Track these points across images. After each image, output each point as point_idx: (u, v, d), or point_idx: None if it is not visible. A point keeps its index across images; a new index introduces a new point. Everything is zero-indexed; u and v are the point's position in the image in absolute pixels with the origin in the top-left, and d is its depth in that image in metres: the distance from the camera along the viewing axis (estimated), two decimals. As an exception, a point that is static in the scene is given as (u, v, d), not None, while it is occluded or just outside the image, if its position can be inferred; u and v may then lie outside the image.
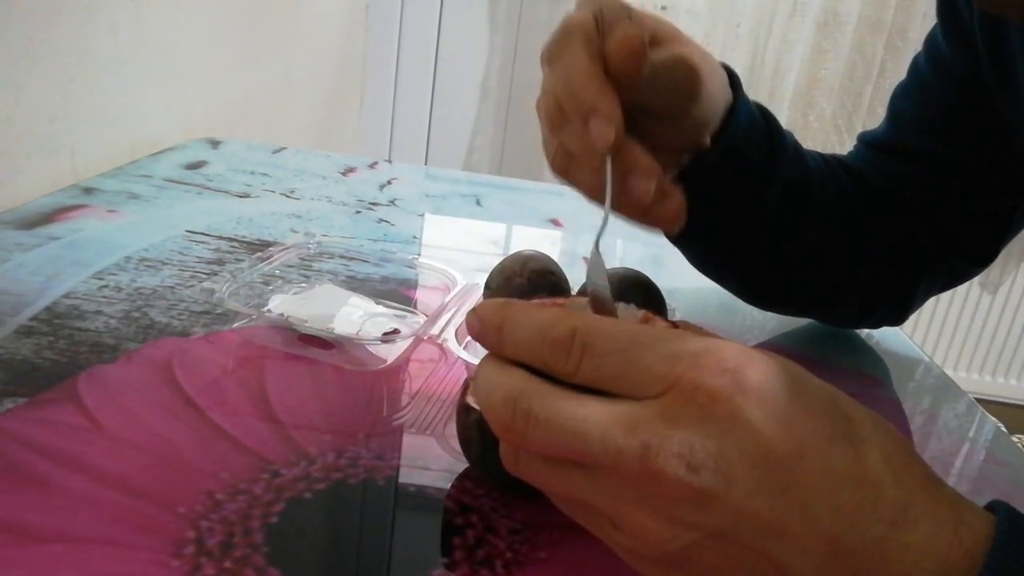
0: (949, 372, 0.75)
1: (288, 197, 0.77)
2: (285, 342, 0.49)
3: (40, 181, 0.69)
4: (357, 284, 0.59)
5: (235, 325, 0.50)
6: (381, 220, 0.75)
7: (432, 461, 0.40)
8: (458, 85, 1.86)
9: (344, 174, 0.89)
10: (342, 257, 0.63)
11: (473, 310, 0.29)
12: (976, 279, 1.45)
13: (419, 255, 0.67)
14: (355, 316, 0.53)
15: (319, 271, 0.60)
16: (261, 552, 0.32)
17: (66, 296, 0.51)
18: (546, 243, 0.78)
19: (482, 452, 0.36)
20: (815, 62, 1.84)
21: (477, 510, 0.37)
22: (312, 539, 0.34)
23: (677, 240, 0.53)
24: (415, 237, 0.73)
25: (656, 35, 0.40)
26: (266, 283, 0.56)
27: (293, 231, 0.68)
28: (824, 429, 0.26)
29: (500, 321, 0.28)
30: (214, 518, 0.34)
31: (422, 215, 0.79)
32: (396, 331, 0.52)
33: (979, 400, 0.58)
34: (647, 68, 0.36)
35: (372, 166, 0.94)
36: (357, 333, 0.51)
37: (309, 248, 0.63)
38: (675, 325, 0.30)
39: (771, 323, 0.64)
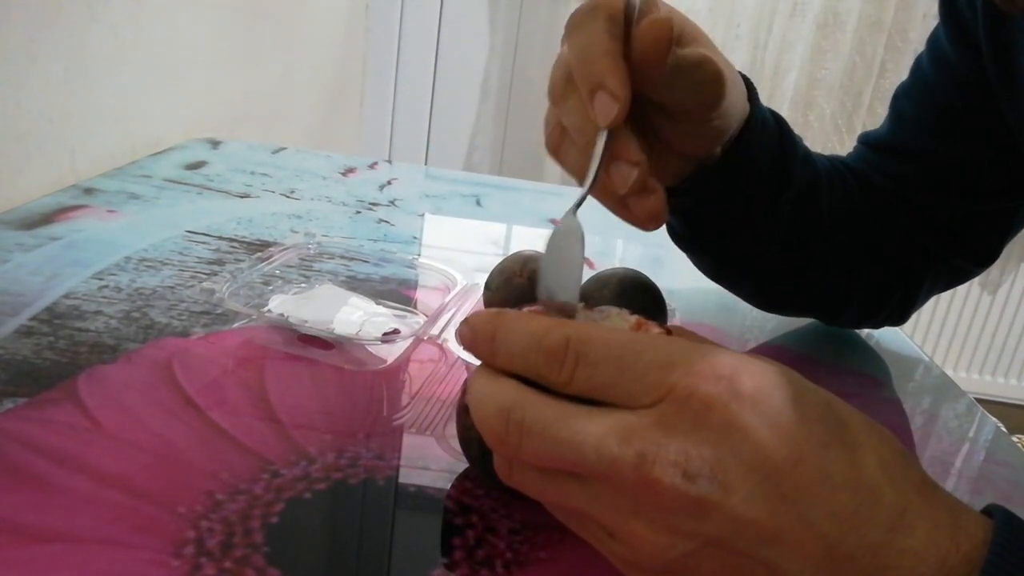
0: (949, 372, 0.75)
1: (288, 197, 0.77)
2: (285, 342, 0.49)
3: (40, 181, 0.69)
4: (357, 284, 0.59)
5: (235, 325, 0.50)
6: (381, 220, 0.75)
7: (432, 461, 0.40)
8: (458, 85, 1.86)
9: (344, 174, 0.89)
10: (342, 257, 0.63)
11: (465, 320, 0.28)
12: (976, 279, 1.45)
13: (419, 255, 0.67)
14: (355, 316, 0.53)
15: (319, 271, 0.60)
16: (261, 552, 0.32)
17: (66, 296, 0.51)
18: (546, 243, 0.78)
19: (482, 452, 0.36)
20: (815, 62, 1.83)
21: (477, 510, 0.37)
22: (312, 539, 0.34)
23: (690, 247, 0.53)
24: (415, 237, 0.73)
25: (684, 33, 0.39)
26: (266, 283, 0.56)
27: (293, 231, 0.68)
28: (820, 434, 0.25)
29: (493, 331, 0.28)
30: (214, 518, 0.34)
31: (422, 215, 0.79)
32: (396, 331, 0.52)
33: (979, 400, 0.58)
34: (672, 59, 0.35)
35: (372, 166, 0.94)
36: (357, 333, 0.51)
37: (309, 248, 0.63)
38: (668, 331, 0.30)
39: (771, 323, 0.64)
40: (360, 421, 0.42)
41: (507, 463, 0.28)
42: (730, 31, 1.79)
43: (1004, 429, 0.56)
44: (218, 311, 0.51)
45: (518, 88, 1.84)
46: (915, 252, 0.58)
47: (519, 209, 0.87)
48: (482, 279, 0.49)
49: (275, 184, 0.81)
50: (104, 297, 0.51)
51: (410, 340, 0.51)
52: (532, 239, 0.79)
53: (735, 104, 0.43)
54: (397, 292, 0.59)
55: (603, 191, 0.37)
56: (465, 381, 0.39)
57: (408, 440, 0.42)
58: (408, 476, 0.39)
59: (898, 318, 0.62)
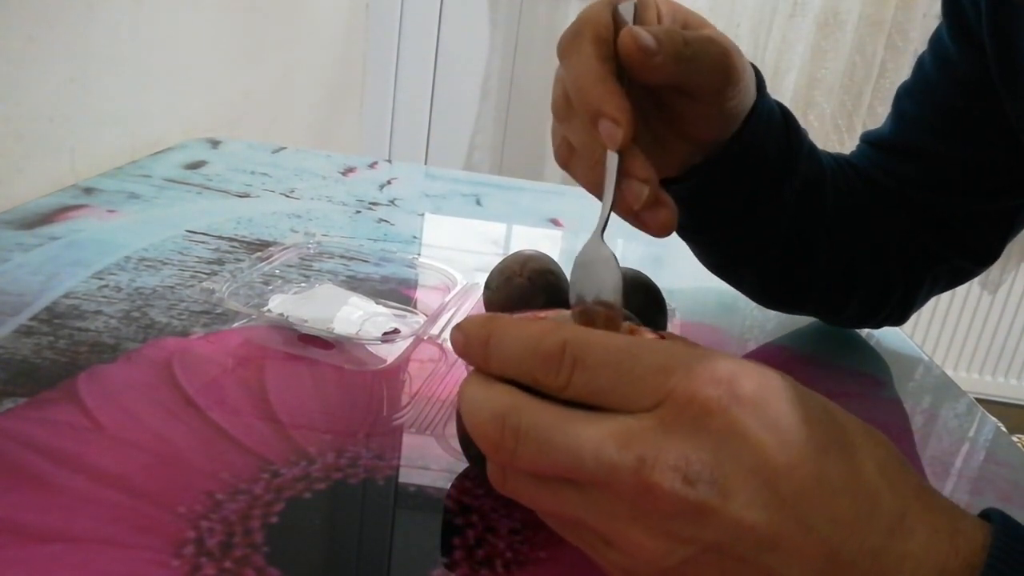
0: (949, 372, 0.74)
1: (288, 197, 0.77)
2: (285, 342, 0.49)
3: (40, 181, 0.69)
4: (357, 284, 0.59)
5: (235, 325, 0.50)
6: (381, 220, 0.75)
7: (432, 461, 0.40)
8: (458, 85, 1.86)
9: (344, 174, 0.89)
10: (342, 257, 0.63)
11: (458, 326, 0.28)
12: (976, 279, 1.45)
13: (419, 255, 0.67)
14: (355, 316, 0.53)
15: (319, 271, 0.60)
16: (261, 552, 0.32)
17: (66, 296, 0.51)
18: (546, 243, 0.78)
19: (481, 452, 0.36)
20: (815, 62, 1.83)
21: (477, 510, 0.37)
22: (312, 539, 0.34)
23: (693, 238, 0.53)
24: (415, 237, 0.73)
25: (689, 22, 0.41)
26: (266, 283, 0.56)
27: (293, 231, 0.68)
28: (819, 439, 0.25)
29: (487, 335, 0.27)
30: (214, 518, 0.34)
31: (422, 215, 0.79)
32: (396, 331, 0.52)
33: (979, 400, 0.58)
34: (684, 49, 0.37)
35: (372, 166, 0.94)
36: (357, 333, 0.51)
37: (309, 248, 0.63)
38: (662, 337, 0.30)
39: (771, 323, 0.64)
40: (360, 421, 0.42)
41: (501, 470, 0.28)
42: (730, 31, 1.79)
43: (1004, 429, 0.56)
44: (218, 311, 0.51)
45: (518, 88, 1.84)
46: (916, 251, 0.58)
47: (519, 209, 0.87)
48: (482, 279, 0.49)
49: (275, 184, 0.81)
50: (104, 297, 0.51)
51: (410, 340, 0.51)
52: (532, 239, 0.79)
53: (749, 87, 0.44)
54: (397, 292, 0.59)
55: (616, 205, 0.37)
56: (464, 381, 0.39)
57: (408, 440, 0.42)
58: (408, 476, 0.39)
59: (898, 318, 0.62)
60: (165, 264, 0.57)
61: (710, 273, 0.57)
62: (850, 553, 0.24)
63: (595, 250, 0.34)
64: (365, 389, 0.46)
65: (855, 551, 0.24)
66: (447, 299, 0.57)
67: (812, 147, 0.53)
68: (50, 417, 0.39)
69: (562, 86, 0.38)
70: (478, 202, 0.86)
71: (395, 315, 0.55)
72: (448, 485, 0.39)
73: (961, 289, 2.08)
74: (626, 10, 0.37)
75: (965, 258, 0.59)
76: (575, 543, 0.28)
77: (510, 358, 0.27)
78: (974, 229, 0.57)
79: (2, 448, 0.36)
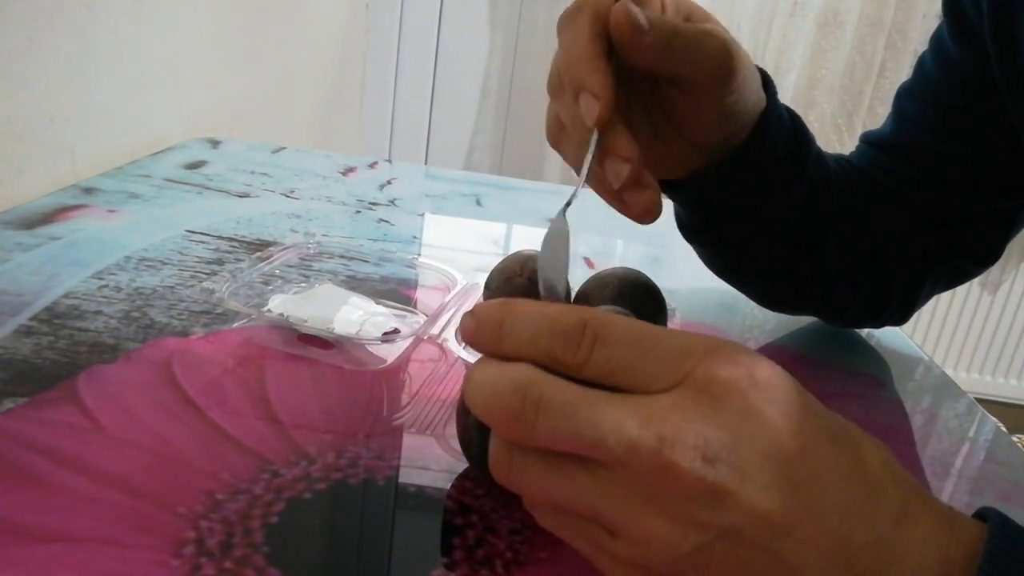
0: (949, 372, 0.74)
1: (288, 197, 0.77)
2: (285, 342, 0.49)
3: (40, 181, 0.69)
4: (357, 284, 0.59)
5: (235, 325, 0.50)
6: (381, 220, 0.75)
7: (432, 461, 0.40)
8: (458, 85, 1.86)
9: (344, 174, 0.89)
10: (342, 257, 0.63)
11: (469, 312, 0.28)
12: (976, 279, 1.45)
13: (419, 255, 0.67)
14: (355, 316, 0.53)
15: (319, 271, 0.60)
16: (261, 552, 0.32)
17: (66, 296, 0.51)
18: (546, 243, 0.78)
19: (482, 452, 0.36)
20: (815, 62, 1.84)
21: (477, 510, 0.37)
22: (312, 539, 0.34)
23: (699, 240, 0.53)
24: (415, 237, 0.73)
25: (692, 14, 0.42)
26: (266, 283, 0.56)
27: (293, 231, 0.68)
28: (828, 428, 0.26)
29: (501, 317, 0.27)
30: (214, 518, 0.34)
31: (422, 215, 0.79)
32: (396, 331, 0.52)
33: (979, 400, 0.58)
34: (673, 37, 0.38)
35: (372, 166, 0.94)
36: (357, 333, 0.51)
37: (309, 248, 0.63)
38: None
39: (771, 323, 0.64)
40: (360, 421, 0.42)
41: (508, 454, 0.27)
42: (730, 31, 1.78)
43: (1004, 429, 0.56)
44: (218, 311, 0.51)
45: (518, 88, 1.84)
46: (916, 251, 0.58)
47: (519, 209, 0.87)
48: (482, 279, 0.49)
49: (275, 184, 0.81)
50: (104, 297, 0.51)
51: (410, 340, 0.51)
52: (532, 239, 0.79)
53: (748, 85, 0.44)
54: (397, 292, 0.59)
55: (600, 185, 0.38)
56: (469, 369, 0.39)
57: (408, 440, 0.42)
58: (408, 476, 0.39)
59: (899, 318, 0.62)
60: (165, 264, 0.57)
61: (710, 273, 0.57)
62: (860, 541, 0.25)
63: (555, 225, 0.35)
64: (365, 389, 0.46)
65: (865, 539, 0.25)
66: (447, 299, 0.57)
67: (819, 150, 0.53)
68: (50, 417, 0.39)
69: (556, 63, 0.38)
70: (478, 202, 0.86)
71: (395, 315, 0.55)
72: (448, 485, 0.39)
73: (961, 289, 2.08)
74: None
75: (965, 258, 0.59)
76: (573, 542, 0.28)
77: (525, 339, 0.26)
78: (974, 229, 0.57)
79: (2, 448, 0.36)
